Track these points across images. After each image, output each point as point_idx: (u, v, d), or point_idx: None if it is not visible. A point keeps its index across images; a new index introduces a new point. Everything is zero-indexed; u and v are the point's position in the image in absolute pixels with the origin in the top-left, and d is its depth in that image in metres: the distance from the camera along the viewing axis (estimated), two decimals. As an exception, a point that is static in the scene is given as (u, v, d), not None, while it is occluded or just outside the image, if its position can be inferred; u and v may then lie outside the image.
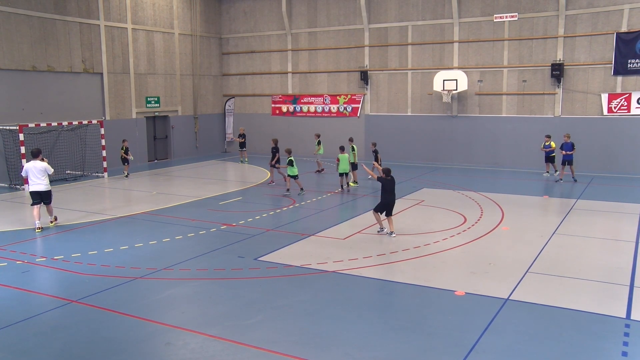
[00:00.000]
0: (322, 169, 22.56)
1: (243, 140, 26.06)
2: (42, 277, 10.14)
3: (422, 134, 25.53)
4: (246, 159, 26.10)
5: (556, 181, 19.80)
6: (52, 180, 15.25)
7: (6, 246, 11.93)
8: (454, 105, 24.60)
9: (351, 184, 19.34)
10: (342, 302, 8.73)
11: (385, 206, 12.61)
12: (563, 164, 19.72)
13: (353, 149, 19.76)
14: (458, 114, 24.74)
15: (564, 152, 19.60)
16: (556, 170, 21.06)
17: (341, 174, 18.40)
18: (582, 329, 7.65)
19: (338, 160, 18.41)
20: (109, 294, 9.09)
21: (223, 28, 30.34)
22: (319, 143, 22.58)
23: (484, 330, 7.58)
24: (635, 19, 21.22)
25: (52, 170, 13.61)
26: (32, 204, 13.29)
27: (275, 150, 19.37)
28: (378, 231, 12.74)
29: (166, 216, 14.85)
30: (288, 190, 17.67)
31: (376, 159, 21.13)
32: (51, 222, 13.70)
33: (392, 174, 12.71)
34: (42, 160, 13.48)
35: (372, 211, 12.98)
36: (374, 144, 21.45)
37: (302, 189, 17.76)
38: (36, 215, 13.19)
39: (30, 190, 13.37)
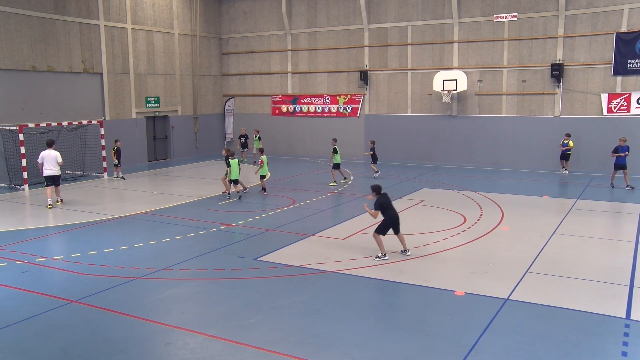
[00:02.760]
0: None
1: (245, 141, 26.07)
2: (42, 277, 10.13)
3: (422, 134, 25.52)
4: (245, 159, 26.05)
5: (612, 187, 18.69)
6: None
7: (6, 246, 11.93)
8: (453, 105, 24.59)
9: (331, 184, 19.45)
10: (342, 302, 8.73)
11: (391, 224, 11.09)
12: (615, 168, 18.67)
13: (335, 150, 19.73)
14: (458, 114, 24.73)
15: (620, 154, 18.39)
16: (564, 168, 21.53)
17: (233, 180, 16.93)
18: (582, 329, 7.65)
19: (261, 162, 17.88)
20: (109, 294, 9.09)
21: (223, 28, 30.33)
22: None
23: (484, 330, 7.58)
24: (635, 19, 21.22)
25: (62, 160, 16.22)
26: (46, 185, 16.21)
27: (225, 159, 18.05)
28: (377, 257, 10.91)
29: (166, 216, 14.85)
30: (236, 192, 16.68)
31: (374, 160, 21.20)
32: (57, 201, 16.18)
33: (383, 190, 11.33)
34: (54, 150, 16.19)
35: (373, 234, 11.11)
36: (373, 142, 21.47)
37: (229, 193, 17.06)
38: (49, 194, 15.92)
39: (44, 174, 15.98)
